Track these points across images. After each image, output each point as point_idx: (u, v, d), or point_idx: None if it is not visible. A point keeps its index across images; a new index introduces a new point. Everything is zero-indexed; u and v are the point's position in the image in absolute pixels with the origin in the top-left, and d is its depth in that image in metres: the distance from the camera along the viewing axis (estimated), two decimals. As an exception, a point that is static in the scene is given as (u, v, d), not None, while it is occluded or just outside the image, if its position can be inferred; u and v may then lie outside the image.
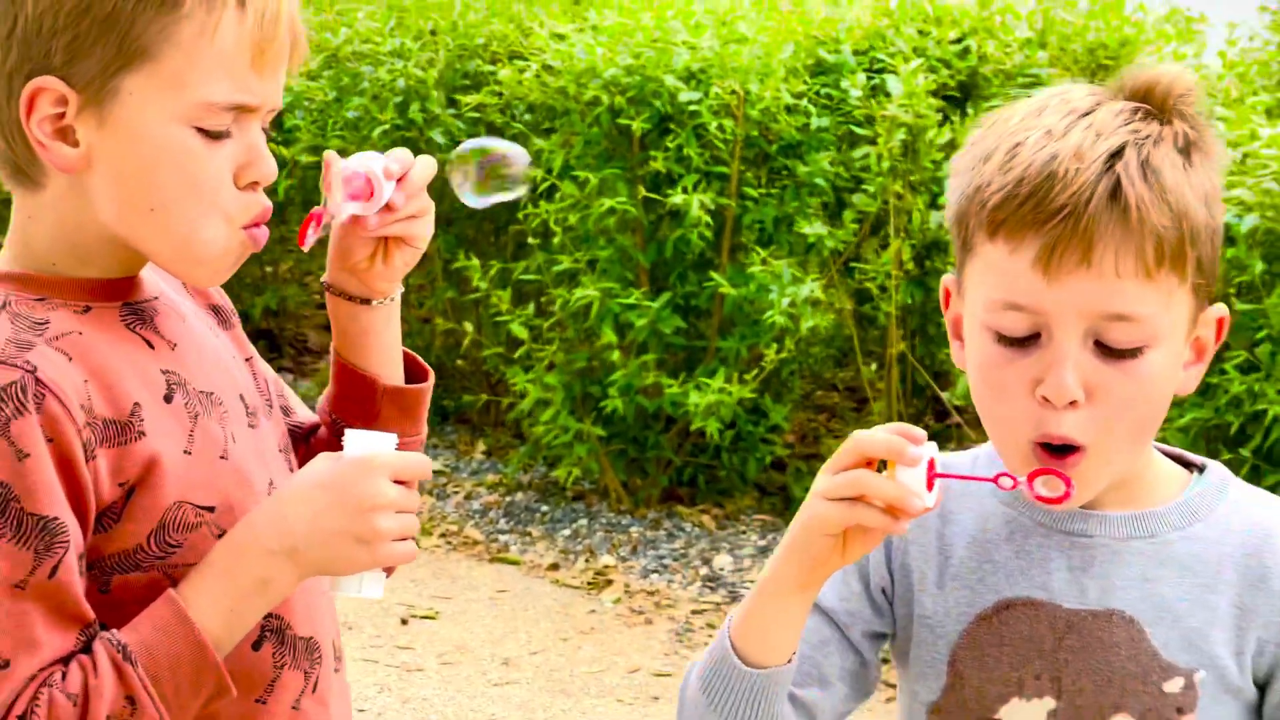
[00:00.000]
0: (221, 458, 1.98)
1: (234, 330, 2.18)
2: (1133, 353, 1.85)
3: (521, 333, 5.97)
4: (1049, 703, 1.95)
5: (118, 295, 1.98)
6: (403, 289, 2.17)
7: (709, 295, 5.84)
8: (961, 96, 5.92)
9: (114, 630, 1.87)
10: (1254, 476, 4.51)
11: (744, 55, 5.66)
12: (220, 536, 1.94)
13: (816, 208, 5.96)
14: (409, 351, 2.24)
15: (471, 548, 6.04)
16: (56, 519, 1.82)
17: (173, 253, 1.94)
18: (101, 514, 1.88)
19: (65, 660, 1.83)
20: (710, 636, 5.28)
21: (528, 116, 6.16)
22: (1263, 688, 1.96)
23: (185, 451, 1.94)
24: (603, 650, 5.26)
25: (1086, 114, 1.87)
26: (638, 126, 5.65)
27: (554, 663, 5.20)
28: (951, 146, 5.56)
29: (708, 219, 5.60)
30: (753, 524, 6.04)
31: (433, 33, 6.49)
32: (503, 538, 6.10)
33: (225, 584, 1.90)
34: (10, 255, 1.96)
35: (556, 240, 5.94)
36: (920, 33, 5.98)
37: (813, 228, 5.74)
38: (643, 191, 5.72)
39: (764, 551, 5.82)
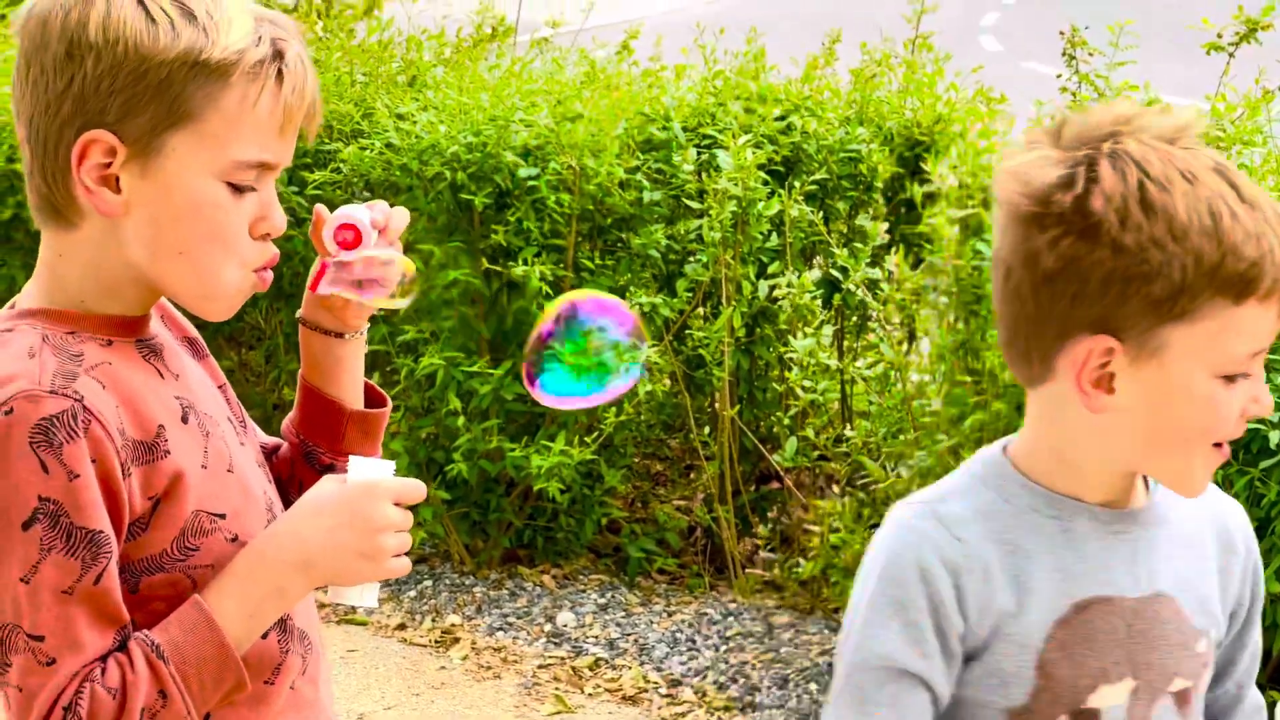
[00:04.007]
0: (229, 471, 2.19)
1: (207, 360, 2.38)
2: None
3: (367, 401, 6.09)
4: (1130, 683, 2.17)
5: (133, 332, 2.18)
6: (369, 325, 2.41)
7: (548, 363, 6.02)
8: (785, 171, 6.19)
9: (146, 630, 2.06)
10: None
11: (579, 132, 5.88)
12: (231, 540, 2.15)
13: (649, 278, 6.21)
14: (368, 381, 2.47)
15: (319, 610, 6.13)
16: (101, 532, 2.01)
17: (194, 291, 2.15)
18: (132, 524, 2.07)
19: (104, 658, 2.01)
20: (557, 689, 5.47)
21: (366, 194, 6.32)
22: None
23: (202, 466, 2.14)
24: (455, 704, 5.42)
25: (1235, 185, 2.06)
26: (479, 201, 5.83)
27: (408, 717, 5.35)
28: (779, 219, 5.83)
29: (547, 289, 5.81)
30: (591, 583, 6.24)
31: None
32: (349, 601, 6.20)
33: (247, 591, 2.09)
34: (40, 291, 2.14)
35: (401, 312, 6.10)
36: (746, 110, 6.25)
37: (647, 297, 5.99)
38: (484, 264, 5.91)
39: (604, 609, 6.01)
